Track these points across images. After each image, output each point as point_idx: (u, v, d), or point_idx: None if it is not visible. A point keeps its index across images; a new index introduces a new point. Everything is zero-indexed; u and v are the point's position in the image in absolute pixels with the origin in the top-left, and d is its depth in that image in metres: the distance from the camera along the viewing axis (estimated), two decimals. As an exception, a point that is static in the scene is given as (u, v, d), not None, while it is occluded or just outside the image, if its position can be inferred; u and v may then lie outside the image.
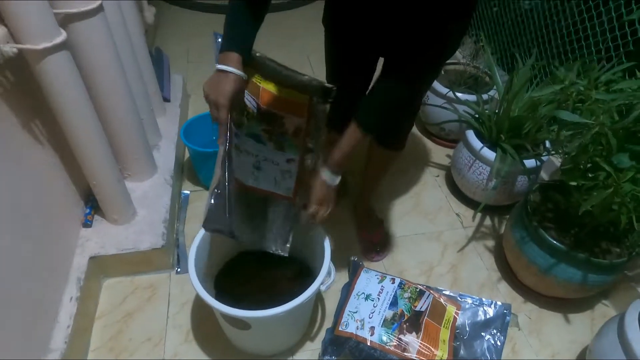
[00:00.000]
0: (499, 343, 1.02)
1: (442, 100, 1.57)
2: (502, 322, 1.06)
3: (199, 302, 1.13)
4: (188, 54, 2.16)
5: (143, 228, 1.18)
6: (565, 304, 1.17)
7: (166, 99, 1.65)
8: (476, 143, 1.31)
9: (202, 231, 0.96)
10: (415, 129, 1.78)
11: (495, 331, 1.04)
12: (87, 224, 1.16)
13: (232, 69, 0.76)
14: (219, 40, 0.81)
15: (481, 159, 1.30)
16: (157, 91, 1.54)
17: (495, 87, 1.44)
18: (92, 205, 1.19)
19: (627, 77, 1.06)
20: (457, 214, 1.42)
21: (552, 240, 1.04)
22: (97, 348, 1.04)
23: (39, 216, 0.95)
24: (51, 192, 1.02)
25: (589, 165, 0.92)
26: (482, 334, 1.04)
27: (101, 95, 1.08)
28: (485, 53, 1.40)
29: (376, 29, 0.88)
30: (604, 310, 1.19)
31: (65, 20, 0.90)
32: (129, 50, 1.25)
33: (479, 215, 1.42)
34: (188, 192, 1.45)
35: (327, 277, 0.90)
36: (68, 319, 0.97)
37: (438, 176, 1.56)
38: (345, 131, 0.86)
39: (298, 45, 2.12)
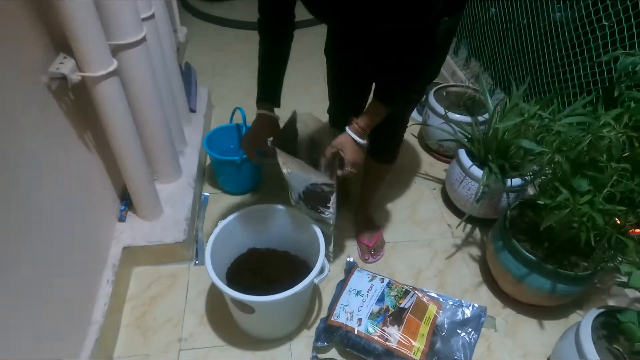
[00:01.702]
0: (472, 340, 1.16)
1: (440, 120, 1.71)
2: (477, 322, 1.20)
3: (213, 291, 1.30)
4: (214, 67, 2.37)
5: (168, 224, 1.37)
6: (540, 312, 1.29)
7: (192, 110, 1.84)
8: (466, 161, 1.45)
9: (217, 228, 1.13)
10: (417, 145, 1.92)
11: (470, 330, 1.18)
12: (121, 219, 1.36)
13: (270, 113, 1.03)
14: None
15: (470, 175, 1.44)
16: (184, 103, 1.74)
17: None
18: (127, 203, 1.38)
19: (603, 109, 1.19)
20: (449, 225, 1.56)
21: (524, 251, 1.17)
22: (127, 325, 1.22)
23: (84, 210, 1.14)
24: (94, 191, 1.22)
25: (553, 187, 1.06)
26: (459, 331, 1.18)
27: (139, 110, 1.27)
28: (479, 78, 1.54)
29: (368, 58, 1.05)
30: (577, 319, 1.30)
31: (117, 50, 1.09)
32: (163, 68, 1.44)
33: (468, 226, 1.55)
34: (208, 194, 1.63)
35: (321, 273, 1.05)
36: (105, 298, 1.16)
37: (435, 189, 1.70)
38: (369, 104, 1.00)
39: (313, 61, 2.29)
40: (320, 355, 1.13)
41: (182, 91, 1.71)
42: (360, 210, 1.47)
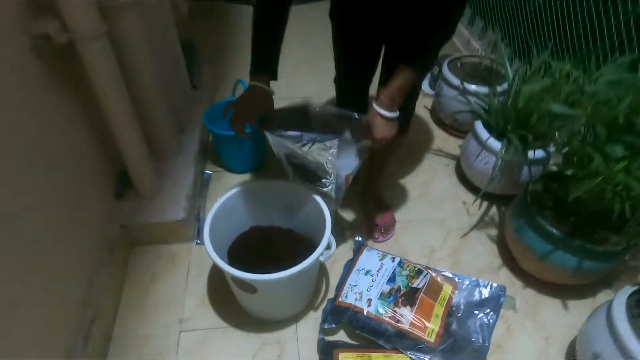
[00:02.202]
0: (491, 321, 1.08)
1: (455, 92, 1.61)
2: (496, 302, 1.11)
3: (215, 271, 1.24)
4: (219, 45, 2.28)
5: (167, 202, 1.31)
6: (564, 291, 1.20)
7: (195, 86, 1.76)
8: (484, 133, 1.35)
9: (217, 204, 1.06)
10: (429, 120, 1.83)
11: (488, 310, 1.10)
12: (119, 196, 1.30)
13: (263, 85, 0.92)
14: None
15: (488, 148, 1.34)
16: (186, 79, 1.66)
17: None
18: (125, 180, 1.32)
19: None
20: (464, 202, 1.47)
21: (548, 227, 1.08)
22: (126, 305, 1.17)
23: (76, 187, 1.08)
24: (88, 167, 1.15)
25: (582, 155, 0.96)
26: (476, 312, 1.10)
27: (135, 80, 1.20)
28: (498, 45, 1.43)
29: (379, 18, 0.96)
30: (605, 299, 1.21)
31: (109, 12, 1.01)
32: (161, 40, 1.36)
33: (485, 204, 1.46)
34: (210, 172, 1.56)
35: (328, 250, 0.98)
36: (104, 277, 1.11)
37: (448, 165, 1.61)
38: (395, 72, 0.91)
39: (319, 39, 2.19)
40: (328, 338, 1.07)
41: (184, 66, 1.64)
42: (368, 188, 1.39)
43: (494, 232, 1.38)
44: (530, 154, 1.28)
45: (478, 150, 1.38)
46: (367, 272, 1.13)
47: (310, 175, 1.04)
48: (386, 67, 1.09)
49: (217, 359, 1.06)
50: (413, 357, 0.98)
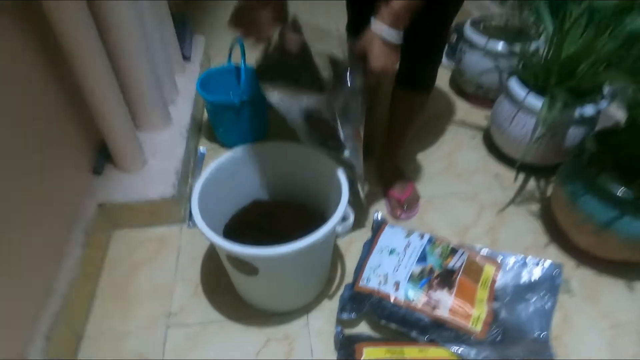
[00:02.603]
0: (547, 307, 0.88)
1: (480, 53, 1.42)
2: (551, 284, 0.92)
3: (210, 256, 1.05)
4: (212, 18, 2.11)
5: (153, 177, 1.12)
6: (628, 270, 1.00)
7: (186, 58, 1.59)
8: (520, 91, 1.16)
9: (209, 169, 0.88)
10: (449, 90, 1.63)
11: (543, 293, 0.90)
12: (97, 171, 1.11)
13: None
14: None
15: (526, 108, 1.15)
16: (176, 49, 1.49)
17: (542, 36, 1.28)
18: (104, 154, 1.14)
19: None
20: (496, 174, 1.28)
21: (614, 188, 0.88)
22: (103, 296, 0.98)
23: (47, 159, 0.90)
24: (61, 137, 0.97)
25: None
26: (527, 296, 0.90)
27: (116, 44, 1.04)
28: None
29: None
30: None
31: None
32: (148, 5, 1.19)
33: (520, 177, 1.27)
34: (205, 150, 1.38)
35: (345, 222, 0.79)
36: (73, 263, 0.92)
37: (475, 137, 1.42)
38: None
39: None
40: (347, 331, 0.87)
41: (174, 36, 1.46)
42: (387, 157, 1.20)
43: (535, 207, 1.18)
44: (580, 111, 1.09)
45: (513, 111, 1.18)
46: (391, 251, 0.93)
47: (323, 132, 0.85)
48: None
49: (211, 360, 0.86)
50: (456, 351, 0.78)
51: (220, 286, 0.98)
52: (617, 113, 1.27)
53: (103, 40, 0.98)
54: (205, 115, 1.51)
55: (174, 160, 1.17)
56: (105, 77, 0.98)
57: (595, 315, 0.93)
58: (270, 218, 0.96)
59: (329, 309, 0.93)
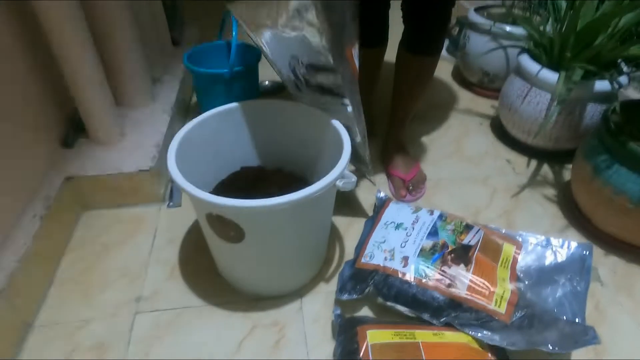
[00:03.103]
0: (579, 289, 0.76)
1: (486, 38, 1.35)
2: (581, 265, 0.80)
3: (190, 237, 0.93)
4: (205, 5, 2.05)
5: (131, 150, 1.00)
6: (662, 258, 0.89)
7: (176, 42, 1.50)
8: (533, 66, 1.08)
9: (189, 125, 0.77)
10: (452, 81, 1.56)
11: (571, 276, 0.78)
12: (67, 143, 0.99)
13: None
14: None
15: (539, 84, 1.07)
16: (166, 32, 1.42)
17: (550, 17, 1.21)
18: (77, 126, 1.03)
19: None
20: (508, 160, 1.18)
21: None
22: (63, 280, 0.84)
23: (5, 124, 0.78)
24: (27, 105, 0.86)
25: None
26: (556, 278, 0.78)
27: (98, 13, 0.97)
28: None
29: None
30: None
31: None
32: None
33: (534, 163, 1.17)
34: (191, 132, 1.27)
35: (347, 180, 0.67)
36: (26, 238, 0.79)
37: (482, 124, 1.33)
38: None
39: None
40: (348, 315, 0.74)
41: (163, 19, 1.39)
42: (391, 133, 1.10)
43: (552, 192, 1.07)
44: (599, 85, 1.01)
45: (525, 89, 1.10)
46: (398, 226, 0.81)
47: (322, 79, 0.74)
48: None
49: (181, 346, 0.72)
50: (477, 335, 0.65)
51: (201, 269, 0.85)
52: (635, 93, 1.20)
53: (84, 7, 0.90)
54: (194, 99, 1.41)
55: (155, 135, 1.06)
56: (82, 45, 0.89)
57: (632, 307, 0.81)
58: (260, 186, 0.84)
59: (325, 292, 0.80)
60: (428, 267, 0.72)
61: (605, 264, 0.89)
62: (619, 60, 1.05)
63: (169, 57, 1.41)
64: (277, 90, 1.43)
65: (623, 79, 1.02)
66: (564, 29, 1.05)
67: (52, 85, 0.94)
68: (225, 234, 0.66)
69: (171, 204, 1.02)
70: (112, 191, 0.98)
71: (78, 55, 0.88)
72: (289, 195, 0.59)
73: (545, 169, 1.15)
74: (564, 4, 1.10)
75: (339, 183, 0.65)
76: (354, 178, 0.68)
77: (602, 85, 1.01)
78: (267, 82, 1.43)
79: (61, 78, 0.92)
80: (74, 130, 1.02)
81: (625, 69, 1.05)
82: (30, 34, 0.86)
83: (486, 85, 1.45)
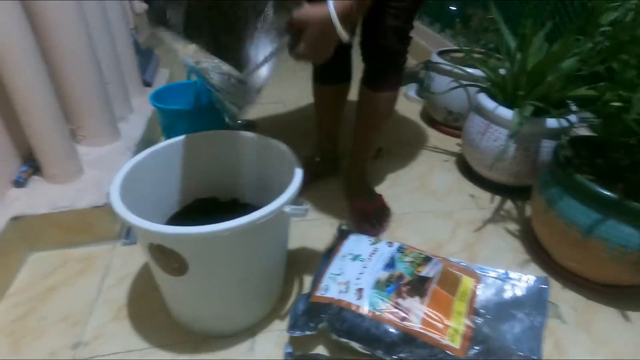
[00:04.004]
0: (537, 325, 0.74)
1: (447, 80, 1.41)
2: (537, 299, 0.79)
3: (144, 274, 0.89)
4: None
5: (87, 187, 0.98)
6: (621, 297, 0.88)
7: (147, 84, 1.53)
8: (490, 103, 1.12)
9: (142, 153, 0.76)
10: (420, 120, 1.60)
11: (529, 311, 0.76)
12: (19, 182, 0.97)
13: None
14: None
15: (496, 120, 1.10)
16: (135, 71, 1.44)
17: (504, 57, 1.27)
18: (32, 164, 1.00)
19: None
20: (472, 195, 1.19)
21: (594, 186, 0.80)
22: (-4, 325, 0.78)
23: None
24: None
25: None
26: (513, 312, 0.76)
27: (55, 48, 0.98)
28: (492, 7, 1.25)
29: None
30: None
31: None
32: (101, 23, 1.15)
33: (497, 198, 1.18)
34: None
35: (298, 207, 0.66)
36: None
37: (447, 160, 1.35)
38: None
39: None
40: (298, 352, 0.70)
41: (134, 60, 1.42)
42: (352, 167, 1.10)
43: (514, 227, 1.08)
44: (550, 122, 1.05)
45: (485, 125, 1.13)
46: (355, 257, 0.79)
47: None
48: (365, 24, 0.90)
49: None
50: (432, 372, 0.62)
51: (151, 308, 0.81)
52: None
53: (40, 43, 0.91)
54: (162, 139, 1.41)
55: (114, 172, 1.04)
56: (37, 82, 0.89)
57: (590, 345, 0.79)
58: (215, 217, 0.81)
59: (279, 330, 0.76)
60: (382, 299, 0.70)
61: (566, 299, 0.88)
62: (567, 101, 1.10)
63: (138, 97, 1.42)
64: (247, 127, 1.44)
65: (573, 118, 1.06)
66: (515, 68, 1.10)
67: (6, 125, 0.93)
68: (169, 265, 0.63)
69: (127, 241, 0.98)
70: (64, 229, 0.94)
71: (33, 92, 0.88)
72: (230, 221, 0.57)
73: (509, 204, 1.16)
74: (512, 45, 1.16)
75: (288, 209, 0.63)
76: (305, 206, 0.67)
77: (554, 122, 1.05)
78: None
79: (16, 117, 0.91)
80: (27, 169, 0.99)
81: (573, 108, 1.09)
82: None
83: (451, 123, 1.50)
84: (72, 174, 1.00)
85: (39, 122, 0.91)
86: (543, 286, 0.80)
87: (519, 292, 0.80)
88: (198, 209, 0.86)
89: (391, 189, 1.19)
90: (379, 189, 1.16)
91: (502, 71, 1.16)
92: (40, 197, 0.94)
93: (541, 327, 0.73)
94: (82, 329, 0.78)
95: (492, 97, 1.15)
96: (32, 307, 0.82)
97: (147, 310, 0.81)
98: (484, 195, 1.19)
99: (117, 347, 0.75)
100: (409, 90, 1.77)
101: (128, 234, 1.00)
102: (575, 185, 0.83)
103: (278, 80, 1.67)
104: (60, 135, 0.96)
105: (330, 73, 1.08)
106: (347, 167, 1.12)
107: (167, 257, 0.61)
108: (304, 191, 0.97)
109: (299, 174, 0.69)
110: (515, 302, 0.78)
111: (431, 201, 1.15)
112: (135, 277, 0.88)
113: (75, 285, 0.87)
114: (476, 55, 1.48)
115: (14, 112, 0.91)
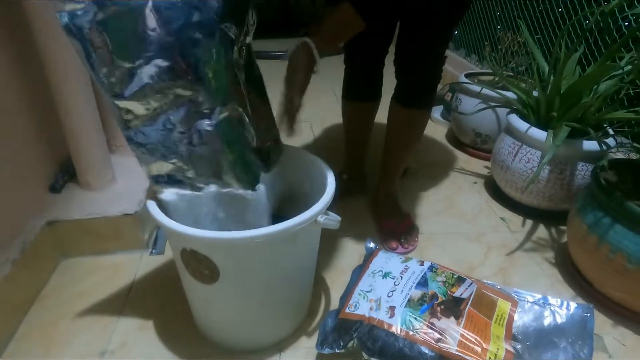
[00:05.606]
0: (582, 355, 0.69)
1: (476, 101, 1.40)
2: (582, 328, 0.74)
3: (170, 284, 0.88)
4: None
5: (119, 194, 1.00)
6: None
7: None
8: (522, 124, 1.10)
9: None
10: (446, 143, 1.59)
11: (573, 340, 0.72)
12: (55, 188, 0.99)
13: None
14: None
15: (528, 142, 1.08)
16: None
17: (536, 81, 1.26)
18: (68, 172, 1.03)
19: None
20: (502, 218, 1.15)
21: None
22: (26, 330, 0.79)
23: None
24: (17, 150, 0.87)
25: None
26: (556, 340, 0.72)
27: None
28: (527, 40, 1.25)
29: None
30: None
31: None
32: None
33: (528, 223, 1.14)
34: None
35: (329, 217, 0.65)
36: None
37: (476, 182, 1.32)
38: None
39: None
40: (327, 372, 0.67)
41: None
42: (382, 186, 1.09)
43: (549, 254, 1.03)
44: (587, 145, 1.02)
45: (516, 146, 1.11)
46: (385, 275, 0.77)
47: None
48: (401, 42, 0.92)
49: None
50: (470, 397, 0.58)
51: (177, 319, 0.80)
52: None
53: None
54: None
55: (145, 182, 1.06)
56: (83, 95, 0.92)
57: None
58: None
59: (306, 347, 0.74)
60: (416, 318, 0.67)
61: (612, 333, 0.83)
62: (604, 124, 1.07)
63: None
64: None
65: (611, 141, 1.03)
66: (548, 91, 1.09)
67: (46, 131, 0.96)
68: (200, 272, 0.62)
69: (154, 251, 0.98)
70: (94, 236, 0.95)
71: (77, 101, 0.91)
72: (266, 228, 0.57)
73: (542, 228, 1.12)
74: (546, 68, 1.15)
75: (321, 219, 0.62)
76: (338, 217, 0.66)
77: (590, 145, 1.02)
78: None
79: (57, 124, 0.93)
80: (63, 175, 1.02)
81: (610, 131, 1.06)
82: (29, 84, 0.89)
83: (479, 146, 1.48)
84: (105, 182, 1.02)
85: (81, 129, 0.94)
86: (586, 314, 0.76)
87: (560, 320, 0.76)
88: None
89: (419, 208, 1.17)
90: (407, 208, 1.14)
91: (534, 93, 1.14)
92: (74, 204, 0.96)
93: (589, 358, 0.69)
94: (107, 337, 0.77)
95: (524, 118, 1.14)
96: (63, 311, 0.83)
97: (172, 320, 0.80)
98: (515, 219, 1.15)
99: (141, 355, 0.74)
100: (435, 112, 1.76)
101: (155, 243, 1.01)
102: (622, 211, 0.79)
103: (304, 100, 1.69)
104: (99, 144, 0.98)
105: (360, 90, 1.09)
106: (376, 186, 1.11)
107: (199, 263, 0.61)
108: (331, 208, 0.96)
109: (332, 182, 0.68)
110: (557, 329, 0.74)
111: (460, 223, 1.12)
112: (162, 287, 0.88)
113: (103, 292, 0.87)
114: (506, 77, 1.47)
115: (52, 120, 0.93)
